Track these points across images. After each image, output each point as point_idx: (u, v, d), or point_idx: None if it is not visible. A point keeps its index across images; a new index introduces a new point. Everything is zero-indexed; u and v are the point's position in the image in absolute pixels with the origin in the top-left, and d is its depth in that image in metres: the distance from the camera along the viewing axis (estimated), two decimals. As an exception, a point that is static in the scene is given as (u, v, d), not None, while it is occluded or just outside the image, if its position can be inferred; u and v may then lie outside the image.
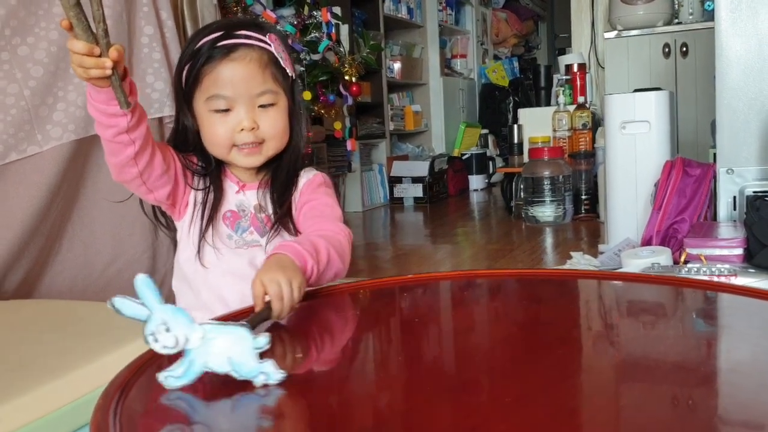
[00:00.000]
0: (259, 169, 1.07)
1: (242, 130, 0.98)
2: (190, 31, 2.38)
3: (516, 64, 6.86)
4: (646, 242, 2.14)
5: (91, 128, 1.88)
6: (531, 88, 7.05)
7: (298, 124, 1.06)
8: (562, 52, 8.21)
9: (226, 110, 0.98)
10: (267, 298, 0.79)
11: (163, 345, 0.64)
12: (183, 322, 0.65)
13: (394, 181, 4.96)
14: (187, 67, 1.02)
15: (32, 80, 1.80)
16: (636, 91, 2.44)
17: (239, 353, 0.63)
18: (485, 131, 6.09)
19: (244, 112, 0.98)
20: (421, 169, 4.89)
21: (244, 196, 1.07)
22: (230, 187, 1.07)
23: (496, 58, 7.03)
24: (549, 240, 3.29)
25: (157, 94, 2.11)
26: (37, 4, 1.84)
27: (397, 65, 5.34)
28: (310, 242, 0.90)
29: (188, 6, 2.40)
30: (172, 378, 0.64)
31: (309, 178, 1.06)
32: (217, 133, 0.99)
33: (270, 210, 1.06)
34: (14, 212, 1.75)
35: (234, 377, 0.63)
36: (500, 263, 2.73)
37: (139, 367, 0.69)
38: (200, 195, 1.06)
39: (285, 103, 1.02)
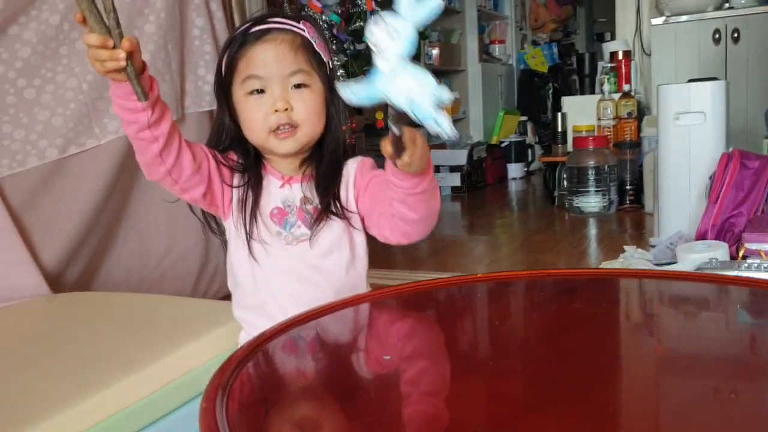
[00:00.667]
0: (302, 162, 1.05)
1: (276, 111, 0.98)
2: (238, 22, 2.38)
3: (555, 49, 6.76)
4: (701, 236, 2.10)
5: (147, 121, 1.90)
6: (570, 74, 6.99)
7: (337, 113, 1.04)
8: (601, 37, 8.08)
9: (261, 91, 0.98)
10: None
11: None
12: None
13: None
14: (224, 58, 1.02)
15: (90, 74, 1.81)
16: (691, 81, 2.38)
17: (421, 95, 0.65)
18: (524, 118, 6.01)
19: (278, 93, 0.98)
20: (460, 157, 4.85)
21: (289, 190, 1.05)
22: (273, 183, 1.06)
23: (535, 43, 6.93)
24: (594, 231, 3.25)
25: (208, 87, 2.12)
26: (94, -2, 1.86)
27: (435, 51, 5.29)
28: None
29: (236, -4, 2.41)
30: (350, 91, 0.68)
31: (360, 161, 1.05)
32: (254, 116, 0.99)
33: (317, 201, 1.04)
34: (75, 205, 1.78)
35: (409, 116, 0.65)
36: (546, 256, 2.70)
37: (237, 365, 0.69)
38: (242, 192, 1.05)
39: (320, 88, 1.01)
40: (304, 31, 1.00)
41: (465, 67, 5.75)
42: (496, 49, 6.34)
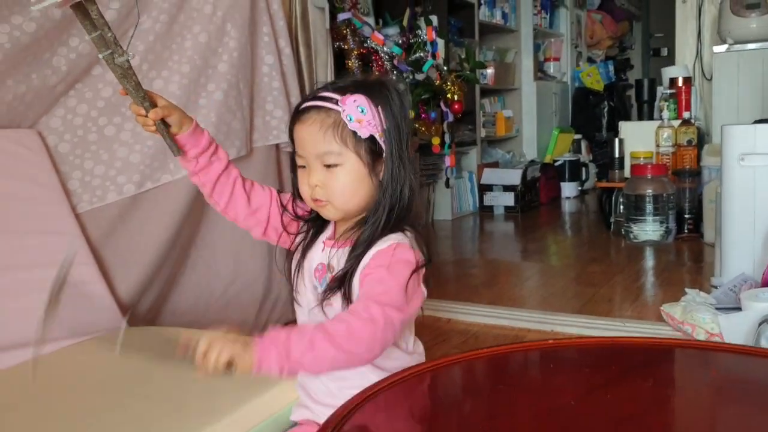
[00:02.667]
0: (356, 224, 1.07)
1: (315, 186, 1.03)
2: (303, 57, 2.45)
3: (611, 67, 6.70)
4: (767, 282, 2.07)
5: (218, 158, 1.97)
6: (625, 89, 6.90)
7: (391, 184, 1.03)
8: (657, 52, 7.97)
9: (304, 167, 1.05)
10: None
11: None
12: None
13: (485, 188, 4.93)
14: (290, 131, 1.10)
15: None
16: (757, 122, 2.35)
17: None
18: (578, 136, 5.97)
19: (313, 170, 1.03)
20: (514, 177, 4.84)
21: (327, 252, 1.08)
22: (321, 241, 1.10)
23: (590, 60, 6.87)
24: (651, 262, 3.21)
25: (275, 122, 2.18)
26: (171, 39, 1.94)
27: (489, 71, 5.30)
28: (289, 332, 0.90)
29: (302, 30, 2.47)
30: None
31: (382, 248, 1.02)
32: (301, 187, 1.06)
33: (335, 271, 1.05)
34: (149, 238, 1.85)
35: None
36: (603, 291, 2.69)
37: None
38: (299, 241, 1.12)
39: (354, 164, 1.02)
40: (340, 108, 1.00)
41: (519, 85, 5.74)
42: (551, 67, 6.31)
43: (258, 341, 0.87)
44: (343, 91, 1.02)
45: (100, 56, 0.94)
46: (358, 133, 1.00)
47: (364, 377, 1.01)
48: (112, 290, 1.71)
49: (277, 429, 1.19)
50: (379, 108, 1.03)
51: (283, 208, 1.13)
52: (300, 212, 1.15)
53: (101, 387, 1.27)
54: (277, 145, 2.24)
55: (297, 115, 1.04)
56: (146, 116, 0.99)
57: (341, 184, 1.02)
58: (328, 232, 1.11)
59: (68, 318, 1.58)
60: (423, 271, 1.04)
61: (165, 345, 0.93)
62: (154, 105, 1.00)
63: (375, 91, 1.05)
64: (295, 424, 1.17)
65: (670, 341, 1.20)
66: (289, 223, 1.14)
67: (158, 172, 1.87)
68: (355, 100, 1.00)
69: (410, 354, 1.10)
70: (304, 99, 1.06)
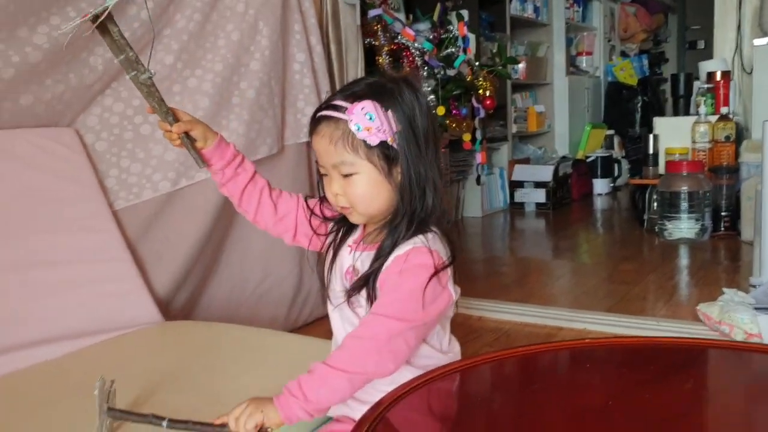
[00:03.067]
0: (384, 225, 1.06)
1: (336, 195, 1.04)
2: (334, 54, 2.45)
3: (645, 61, 6.59)
4: (807, 281, 2.03)
5: (251, 155, 1.99)
6: (660, 83, 6.79)
7: (409, 185, 1.02)
8: (694, 45, 7.83)
9: (326, 175, 1.05)
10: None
11: None
12: None
13: (516, 185, 4.89)
14: None
15: (200, 111, 1.91)
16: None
17: None
18: (611, 132, 5.90)
19: (332, 180, 1.03)
20: (545, 173, 4.80)
21: (353, 255, 1.09)
22: (347, 244, 1.11)
23: (623, 54, 6.77)
24: (686, 261, 3.16)
25: (306, 119, 2.18)
26: (205, 38, 1.96)
27: (521, 66, 5.25)
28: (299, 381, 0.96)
29: (333, 27, 2.48)
30: None
31: (399, 254, 1.01)
32: (327, 194, 1.07)
33: (360, 274, 1.06)
34: (184, 235, 1.88)
35: None
36: (637, 290, 2.65)
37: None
38: (330, 241, 1.13)
39: (369, 171, 1.01)
40: (347, 118, 0.98)
41: (551, 80, 5.68)
42: (583, 61, 6.23)
43: (276, 400, 0.96)
44: (354, 98, 1.00)
45: (128, 77, 0.96)
46: (368, 142, 0.99)
47: (400, 374, 1.02)
48: (148, 285, 1.73)
49: (314, 423, 1.20)
50: (389, 112, 1.01)
51: (310, 211, 1.14)
52: (328, 214, 1.15)
53: (137, 381, 1.29)
54: (308, 143, 2.25)
55: (312, 125, 1.04)
56: (171, 131, 1.02)
57: (360, 192, 1.02)
58: (356, 234, 1.11)
59: (105, 313, 1.61)
60: (449, 271, 1.03)
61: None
62: (177, 120, 1.03)
63: (385, 94, 1.03)
64: (332, 419, 1.18)
65: (709, 342, 1.19)
66: (319, 226, 1.15)
67: (193, 170, 1.89)
68: (362, 108, 0.98)
69: (445, 353, 1.10)
70: (318, 108, 1.05)
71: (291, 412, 0.95)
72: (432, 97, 2.81)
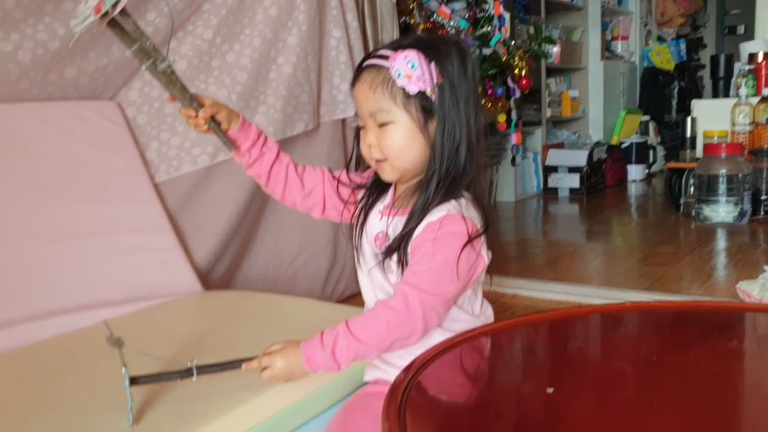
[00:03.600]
0: (416, 188, 1.06)
1: (369, 145, 1.03)
2: (369, 31, 2.45)
3: (683, 46, 6.46)
4: None
5: (289, 130, 2.00)
6: (697, 69, 6.66)
7: (440, 143, 1.01)
8: (733, 30, 7.66)
9: (363, 127, 1.05)
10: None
11: None
12: None
13: (549, 170, 4.85)
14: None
15: (238, 85, 1.93)
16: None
17: None
18: (646, 118, 5.81)
19: (369, 129, 1.03)
20: (579, 158, 4.76)
21: (385, 220, 1.09)
22: (378, 210, 1.11)
23: (660, 39, 6.66)
24: (724, 244, 3.11)
25: (342, 96, 2.20)
26: (243, 13, 1.97)
27: (555, 50, 5.20)
28: (333, 346, 0.99)
29: (368, 4, 2.48)
30: None
31: (432, 220, 1.00)
32: (362, 149, 1.07)
33: (391, 239, 1.06)
34: (222, 208, 1.90)
35: None
36: (672, 271, 2.62)
37: (404, 389, 0.75)
38: (361, 206, 1.14)
39: (406, 122, 1.01)
40: (390, 63, 0.99)
41: (586, 65, 5.62)
42: (619, 46, 6.15)
43: (304, 347, 1.01)
44: (400, 47, 1.00)
45: (143, 68, 0.95)
46: (407, 89, 0.98)
47: (431, 338, 1.02)
48: (187, 257, 1.76)
49: (350, 387, 1.22)
50: (432, 63, 1.00)
51: (337, 181, 1.16)
52: (358, 180, 1.17)
53: (178, 346, 1.31)
54: (343, 120, 2.26)
55: (355, 75, 1.05)
56: (196, 117, 1.02)
57: (394, 142, 1.01)
58: (387, 199, 1.12)
59: (146, 282, 1.65)
60: (482, 238, 1.03)
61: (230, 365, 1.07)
62: (201, 105, 1.02)
63: (432, 47, 1.03)
64: (367, 383, 1.19)
65: (752, 306, 1.17)
66: (349, 196, 1.16)
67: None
68: (406, 56, 0.98)
69: (477, 317, 1.10)
70: (363, 58, 1.06)
71: (314, 363, 1.00)
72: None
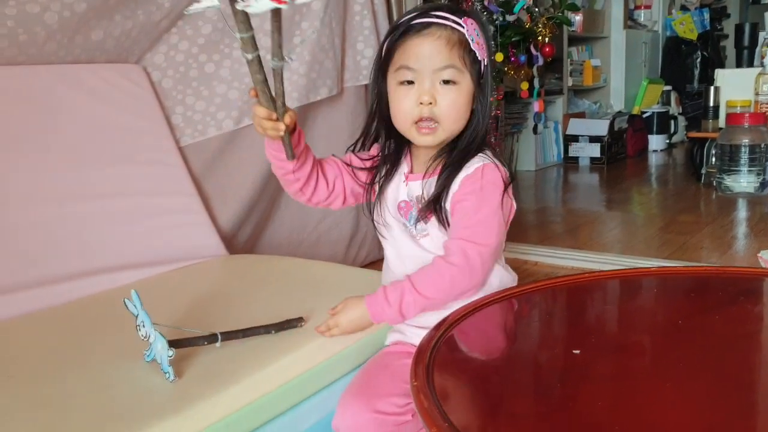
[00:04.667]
0: (437, 155, 1.07)
1: (421, 103, 1.00)
2: (394, -1, 2.43)
3: (706, 15, 6.34)
4: None
5: (312, 95, 2.01)
6: (720, 40, 6.55)
7: (483, 110, 1.05)
8: (757, 0, 7.49)
9: (411, 83, 1.01)
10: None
11: None
12: None
13: (570, 139, 4.82)
14: (386, 43, 1.07)
15: (262, 50, 1.92)
16: None
17: None
18: (668, 88, 5.74)
19: (426, 86, 1.00)
20: (601, 128, 4.72)
21: (408, 186, 1.09)
22: (400, 177, 1.11)
23: (683, 8, 6.53)
24: (745, 214, 3.10)
25: (366, 62, 2.19)
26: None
27: (578, 18, 5.12)
28: (400, 303, 1.02)
29: (393, -29, 2.45)
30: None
31: (469, 173, 1.03)
32: (401, 105, 1.02)
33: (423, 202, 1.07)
34: (247, 173, 1.92)
35: None
36: (694, 240, 2.61)
37: (431, 349, 0.76)
38: (377, 177, 1.14)
39: (468, 86, 1.02)
40: (463, 28, 1.01)
41: (608, 33, 5.54)
42: (642, 15, 6.04)
43: (369, 302, 1.06)
44: (459, 13, 1.02)
45: (249, 56, 0.89)
46: (477, 55, 1.00)
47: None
48: (213, 220, 1.78)
49: (372, 350, 1.24)
50: (486, 37, 1.05)
51: (350, 166, 1.15)
52: (368, 159, 1.16)
53: (203, 309, 1.33)
54: (366, 86, 2.25)
55: (414, 28, 1.02)
56: (277, 120, 0.95)
57: (455, 103, 1.02)
58: (405, 167, 1.12)
59: (172, 244, 1.67)
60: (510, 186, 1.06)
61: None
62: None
63: (481, 22, 1.06)
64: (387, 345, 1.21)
65: (780, 272, 1.17)
66: (367, 177, 1.15)
67: (254, 109, 1.92)
68: (472, 23, 1.01)
69: (505, 267, 1.14)
70: (416, 15, 1.03)
71: (380, 317, 1.05)
72: (491, 43, 2.78)
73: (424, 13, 1.03)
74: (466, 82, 1.02)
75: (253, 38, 0.88)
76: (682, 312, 0.91)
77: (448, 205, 1.04)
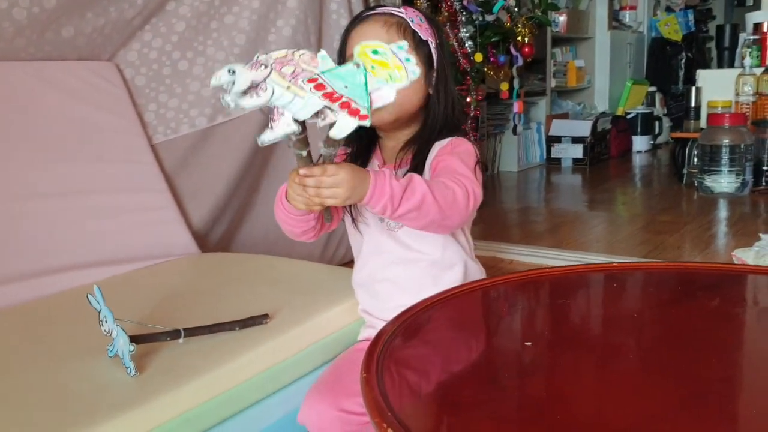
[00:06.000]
0: (404, 145, 1.09)
1: None
2: (371, -5, 2.43)
3: (691, 17, 6.38)
4: None
5: (287, 93, 2.00)
6: (705, 41, 6.58)
7: (439, 91, 1.08)
8: (742, 2, 7.54)
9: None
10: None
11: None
12: None
13: (553, 140, 4.83)
14: (341, 44, 1.12)
15: (236, 47, 1.93)
16: None
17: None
18: (653, 89, 5.77)
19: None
20: (583, 129, 4.73)
21: None
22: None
23: (669, 10, 6.57)
24: (725, 214, 3.11)
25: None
26: (242, -26, 1.96)
27: (562, 18, 5.15)
28: (406, 186, 0.92)
29: (370, -32, 2.45)
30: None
31: (442, 144, 1.06)
32: None
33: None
34: (220, 170, 1.91)
35: None
36: (672, 239, 2.63)
37: (385, 342, 0.76)
38: None
39: None
40: (403, 13, 1.07)
41: (593, 34, 5.56)
42: (627, 16, 6.07)
43: (374, 184, 0.90)
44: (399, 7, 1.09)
45: (301, 153, 0.88)
46: (419, 34, 1.03)
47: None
48: (185, 218, 1.78)
49: (341, 347, 1.24)
50: (432, 24, 1.10)
51: None
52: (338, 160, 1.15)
53: (171, 306, 1.32)
54: (344, 84, 2.25)
55: (357, 20, 1.08)
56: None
57: None
58: (376, 163, 1.14)
59: (143, 241, 1.66)
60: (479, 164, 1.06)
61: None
62: None
63: (423, 13, 1.12)
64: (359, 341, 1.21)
65: (741, 267, 1.18)
66: None
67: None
68: (414, 11, 1.08)
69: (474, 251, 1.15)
70: (363, 11, 1.10)
71: (380, 190, 0.91)
72: (470, 43, 2.78)
73: (371, 8, 1.10)
74: None
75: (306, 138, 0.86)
76: (638, 306, 0.91)
77: (425, 174, 1.05)
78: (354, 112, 0.80)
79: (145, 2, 1.79)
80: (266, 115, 0.90)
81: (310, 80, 0.80)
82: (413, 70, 0.82)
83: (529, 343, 0.78)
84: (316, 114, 0.81)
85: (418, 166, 1.06)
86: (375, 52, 0.82)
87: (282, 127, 0.83)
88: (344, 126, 0.81)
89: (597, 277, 1.03)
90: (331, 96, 0.80)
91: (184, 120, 1.86)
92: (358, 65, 0.81)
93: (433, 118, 1.07)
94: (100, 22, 1.72)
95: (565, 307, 0.93)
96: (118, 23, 1.76)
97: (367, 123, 0.81)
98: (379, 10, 1.08)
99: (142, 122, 1.81)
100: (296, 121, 0.82)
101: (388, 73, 0.82)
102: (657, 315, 0.87)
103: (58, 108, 1.65)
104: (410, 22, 1.05)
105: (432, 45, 1.07)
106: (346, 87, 0.80)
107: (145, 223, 1.67)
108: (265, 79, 0.80)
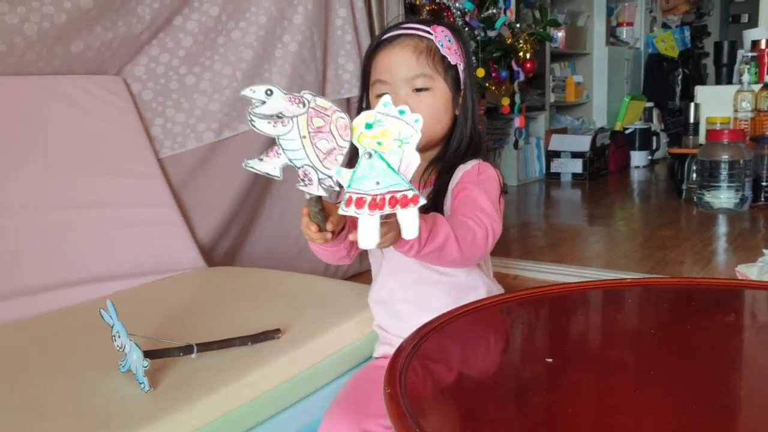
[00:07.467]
0: (428, 165, 1.08)
1: None
2: (375, 11, 2.45)
3: (687, 33, 6.44)
4: None
5: (293, 108, 2.01)
6: (701, 57, 6.64)
7: (466, 114, 1.07)
8: (737, 19, 7.61)
9: (386, 94, 1.02)
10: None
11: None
12: None
13: (552, 155, 4.86)
14: (364, 65, 1.11)
15: (243, 63, 1.94)
16: None
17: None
18: (650, 104, 5.81)
19: (400, 95, 1.02)
20: (582, 143, 4.76)
21: None
22: None
23: (665, 26, 6.63)
24: (725, 229, 3.12)
25: (347, 75, 2.20)
26: (249, -10, 1.97)
27: (560, 34, 5.19)
28: (431, 227, 0.90)
29: (374, -15, 2.47)
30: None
31: (467, 169, 1.04)
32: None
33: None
34: (227, 185, 1.91)
35: None
36: (674, 254, 2.64)
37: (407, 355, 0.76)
38: None
39: (444, 91, 1.04)
40: (432, 35, 1.04)
41: (591, 50, 5.61)
42: (624, 32, 6.13)
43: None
44: (427, 23, 1.06)
45: (315, 210, 0.88)
46: (449, 59, 1.03)
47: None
48: (192, 232, 1.78)
49: (355, 361, 1.24)
50: (460, 42, 1.08)
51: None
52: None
53: (180, 321, 1.32)
54: (347, 100, 2.26)
55: (384, 42, 1.06)
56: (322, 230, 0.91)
57: (430, 109, 1.03)
58: None
59: (150, 256, 1.66)
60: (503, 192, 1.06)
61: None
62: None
63: (455, 29, 1.10)
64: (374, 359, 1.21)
65: (748, 283, 1.19)
66: None
67: (236, 121, 1.92)
68: (443, 30, 1.04)
69: (494, 281, 1.15)
70: (388, 29, 1.08)
71: (404, 245, 0.89)
72: (472, 58, 2.80)
73: (395, 26, 1.07)
74: (440, 88, 1.04)
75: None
76: (654, 322, 0.92)
77: (448, 202, 1.04)
78: (405, 203, 0.76)
79: (152, 17, 1.80)
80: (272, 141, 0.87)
81: (347, 203, 0.75)
82: (414, 118, 0.77)
83: (549, 360, 0.78)
84: (301, 179, 0.81)
85: (440, 188, 1.05)
86: (368, 126, 0.77)
87: (269, 167, 0.82)
88: (410, 222, 0.76)
89: (608, 293, 1.03)
90: (376, 204, 0.75)
91: (191, 134, 1.87)
92: (370, 154, 0.76)
93: (459, 140, 1.07)
94: (109, 36, 1.73)
95: (580, 324, 0.93)
96: (126, 38, 1.77)
97: (423, 201, 0.76)
98: (408, 29, 1.05)
99: (149, 136, 1.81)
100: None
101: (396, 140, 0.77)
102: (674, 330, 0.87)
103: (66, 122, 1.66)
104: (440, 47, 1.03)
105: (461, 68, 1.06)
106: (377, 183, 0.75)
107: (152, 237, 1.68)
108: (292, 117, 0.78)
